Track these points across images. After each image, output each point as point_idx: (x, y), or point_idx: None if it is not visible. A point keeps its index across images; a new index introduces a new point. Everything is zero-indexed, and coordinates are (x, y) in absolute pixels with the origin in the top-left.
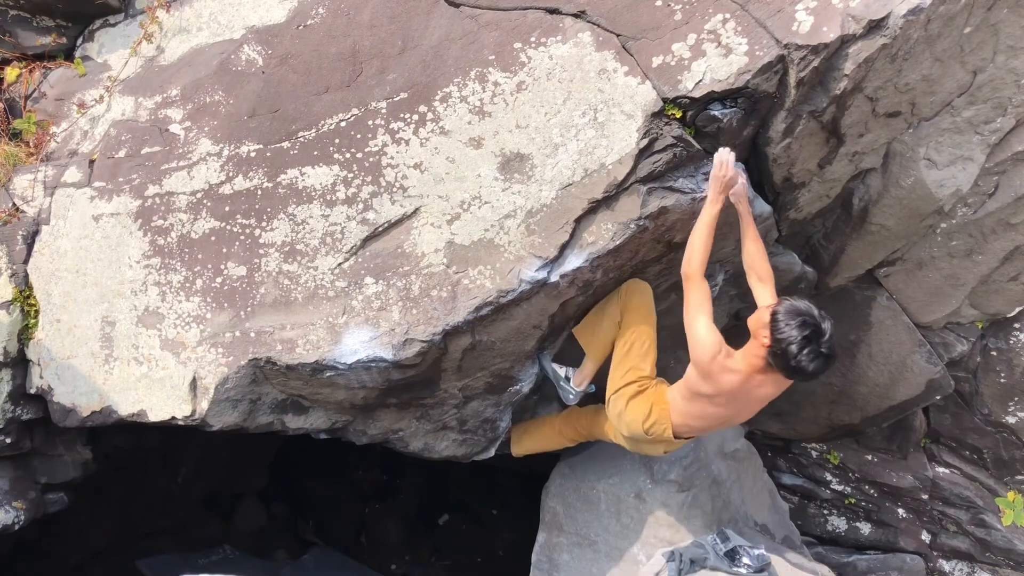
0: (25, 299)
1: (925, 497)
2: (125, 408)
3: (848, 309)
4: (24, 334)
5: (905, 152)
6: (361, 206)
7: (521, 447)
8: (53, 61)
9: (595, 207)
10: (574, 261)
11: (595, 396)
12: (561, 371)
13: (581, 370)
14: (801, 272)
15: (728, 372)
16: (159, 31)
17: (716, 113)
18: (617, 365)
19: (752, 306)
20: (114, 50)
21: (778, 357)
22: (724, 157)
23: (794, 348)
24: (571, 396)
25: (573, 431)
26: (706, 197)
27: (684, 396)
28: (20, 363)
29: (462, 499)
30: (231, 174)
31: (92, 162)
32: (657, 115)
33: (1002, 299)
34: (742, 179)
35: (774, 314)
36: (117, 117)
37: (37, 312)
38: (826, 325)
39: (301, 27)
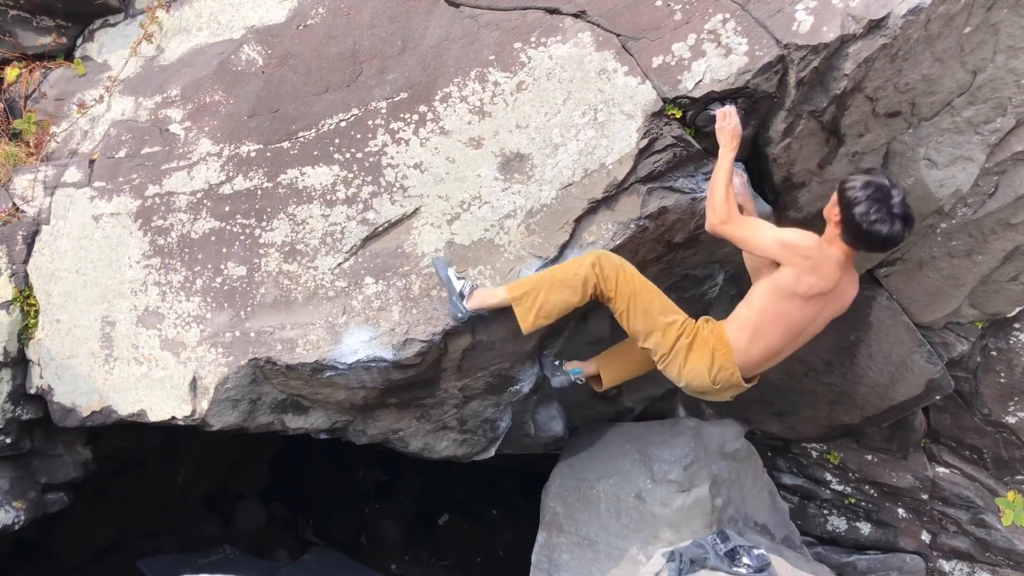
0: (25, 299)
1: (925, 497)
2: (125, 408)
3: (848, 309)
4: (24, 334)
5: (905, 152)
6: (361, 206)
7: (612, 378)
8: (53, 61)
9: (595, 207)
10: None
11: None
12: (554, 360)
13: (581, 363)
14: None
15: (831, 260)
16: (159, 31)
17: (716, 113)
18: (646, 335)
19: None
20: (114, 50)
21: (850, 227)
22: (726, 108)
23: (861, 209)
24: (559, 376)
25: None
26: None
27: (764, 307)
28: (20, 363)
29: (462, 499)
30: (231, 174)
31: (92, 162)
32: (657, 115)
33: (1002, 299)
34: (742, 178)
35: (841, 183)
36: (117, 117)
37: (37, 312)
38: (895, 190)
39: (301, 27)
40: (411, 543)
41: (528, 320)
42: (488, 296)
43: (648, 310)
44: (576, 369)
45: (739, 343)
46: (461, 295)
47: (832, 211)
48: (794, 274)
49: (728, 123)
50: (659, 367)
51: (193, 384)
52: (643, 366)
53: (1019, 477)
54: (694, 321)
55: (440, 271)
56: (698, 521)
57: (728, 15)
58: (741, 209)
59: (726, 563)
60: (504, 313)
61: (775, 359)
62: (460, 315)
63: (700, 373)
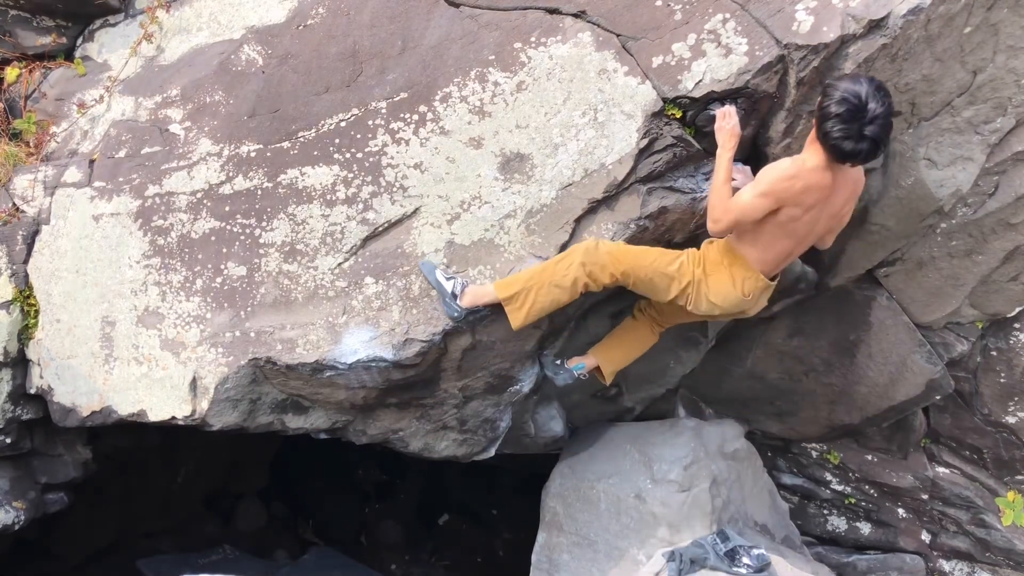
0: (25, 299)
1: (925, 497)
2: (125, 408)
3: (848, 309)
4: (24, 334)
5: (905, 152)
6: (361, 206)
7: (613, 363)
8: (53, 61)
9: (595, 207)
10: None
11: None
12: (554, 359)
13: (585, 356)
14: (801, 272)
15: (816, 171)
16: (159, 31)
17: (716, 113)
18: (666, 290)
19: None
20: (114, 50)
21: (819, 133)
22: (725, 107)
23: (828, 125)
24: (561, 374)
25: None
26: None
27: (764, 223)
28: (20, 363)
29: (462, 499)
30: (231, 174)
31: (92, 162)
32: (657, 115)
33: (1002, 299)
34: (746, 175)
35: (825, 87)
36: (117, 117)
37: (37, 312)
38: (873, 105)
39: (301, 27)
40: (411, 543)
41: (519, 318)
42: (481, 294)
43: (655, 271)
44: (579, 364)
45: (751, 255)
46: (454, 295)
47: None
48: (786, 211)
49: (727, 123)
50: (689, 308)
51: (193, 384)
52: (641, 345)
53: (1019, 477)
54: (692, 251)
55: (428, 275)
56: (698, 521)
57: (728, 15)
58: None
59: (726, 563)
60: (502, 311)
61: (790, 259)
62: (456, 315)
63: (727, 292)
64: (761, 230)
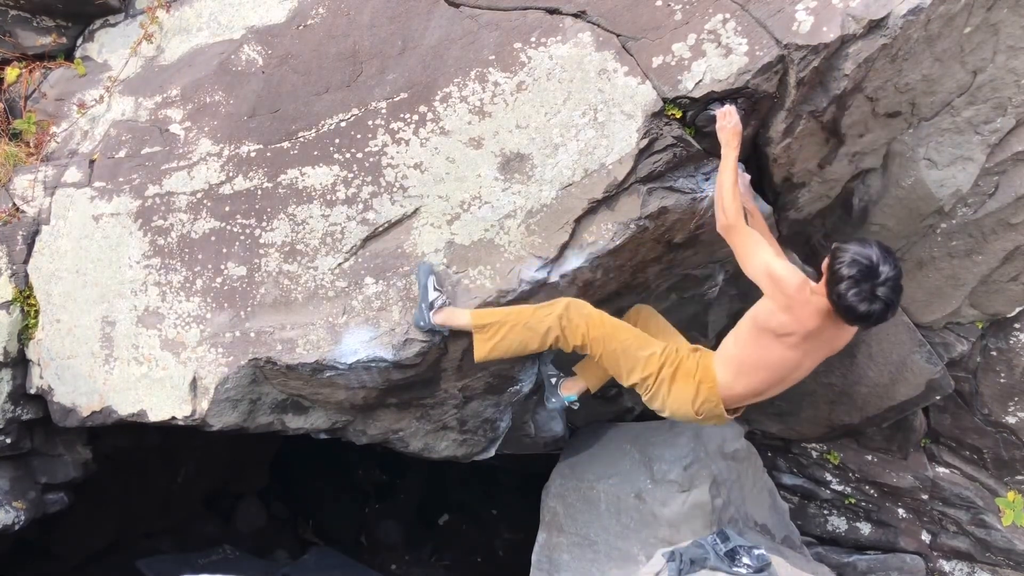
0: (25, 299)
1: (925, 497)
2: (125, 408)
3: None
4: (24, 334)
5: (905, 152)
6: (361, 206)
7: (598, 381)
8: (53, 61)
9: (595, 207)
10: (574, 261)
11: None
12: (551, 372)
13: (575, 381)
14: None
15: (811, 307)
16: (159, 31)
17: (716, 113)
18: (628, 371)
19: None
20: (114, 50)
21: (831, 295)
22: (726, 107)
23: (843, 286)
24: (553, 400)
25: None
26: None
27: (746, 342)
28: (20, 363)
29: (462, 499)
30: (231, 174)
31: (92, 162)
32: (657, 115)
33: (1002, 299)
34: (744, 179)
35: (834, 250)
36: (117, 117)
37: (37, 312)
38: (884, 268)
39: (301, 27)
40: (411, 543)
41: (483, 351)
42: (455, 316)
43: (625, 349)
44: (570, 396)
45: (724, 378)
46: (431, 306)
47: (823, 268)
48: (770, 307)
49: (728, 122)
50: (644, 399)
51: (193, 384)
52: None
53: (1019, 477)
54: (678, 349)
55: (421, 276)
56: (698, 521)
57: (728, 15)
58: (748, 216)
59: (726, 563)
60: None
61: (760, 397)
62: (422, 324)
63: (684, 403)
64: (745, 353)
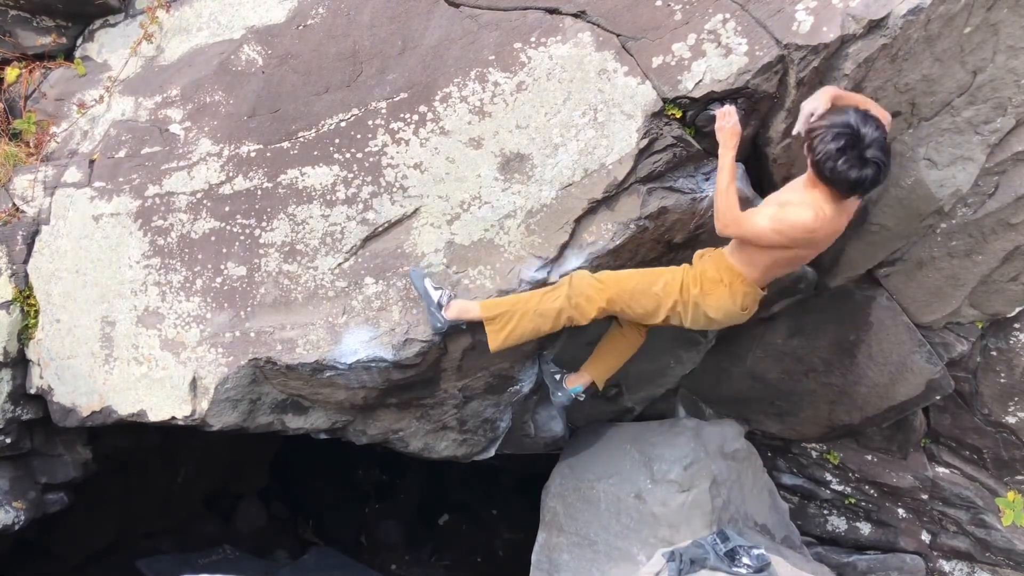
0: (25, 299)
1: (925, 497)
2: (125, 408)
3: (848, 309)
4: (24, 334)
5: (905, 152)
6: (361, 206)
7: (606, 373)
8: (53, 61)
9: (595, 207)
10: (574, 261)
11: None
12: (552, 369)
13: (578, 374)
14: (801, 272)
15: (824, 209)
16: (159, 31)
17: (716, 113)
18: (654, 311)
19: None
20: (114, 50)
21: (823, 174)
22: (725, 107)
23: (831, 163)
24: (559, 395)
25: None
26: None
27: (765, 261)
28: (20, 363)
29: (462, 499)
30: (231, 174)
31: (92, 162)
32: (657, 115)
33: (1002, 299)
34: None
35: (810, 132)
36: (117, 117)
37: (37, 312)
38: (867, 130)
39: (301, 27)
40: (411, 543)
41: (497, 340)
42: (466, 309)
43: (639, 292)
44: (576, 387)
45: (752, 275)
46: (439, 305)
47: (805, 156)
48: (793, 249)
49: (727, 122)
50: (688, 326)
51: (193, 384)
52: (629, 349)
53: (1019, 477)
54: (684, 267)
55: (416, 283)
56: (698, 521)
57: (728, 15)
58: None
59: (726, 563)
60: (483, 329)
61: (788, 275)
62: (439, 325)
63: (725, 309)
64: (765, 258)
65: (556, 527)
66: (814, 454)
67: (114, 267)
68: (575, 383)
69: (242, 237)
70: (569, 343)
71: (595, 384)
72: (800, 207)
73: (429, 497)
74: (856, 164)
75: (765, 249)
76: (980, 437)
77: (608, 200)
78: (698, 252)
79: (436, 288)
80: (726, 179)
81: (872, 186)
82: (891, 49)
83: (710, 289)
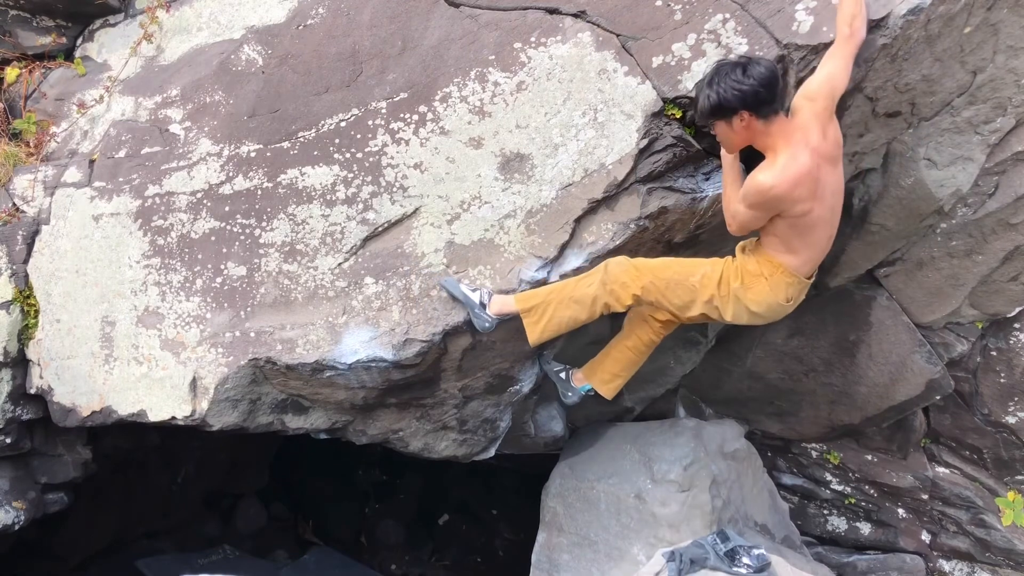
0: (25, 299)
1: (925, 497)
2: (125, 408)
3: (848, 309)
4: (24, 334)
5: (905, 152)
6: (361, 206)
7: (609, 383)
8: (53, 61)
9: (595, 207)
10: (574, 261)
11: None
12: (557, 368)
13: (583, 371)
14: None
15: (789, 166)
16: (159, 31)
17: None
18: (689, 304)
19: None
20: (114, 50)
21: (753, 101)
22: None
23: (737, 97)
24: (569, 395)
25: (659, 321)
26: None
27: (791, 238)
28: (20, 363)
29: (462, 499)
30: (231, 174)
31: (92, 162)
32: (657, 115)
33: (1002, 299)
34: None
35: (700, 114)
36: (117, 117)
37: (37, 312)
38: (726, 67)
39: (301, 27)
40: (411, 543)
41: (535, 332)
42: (505, 304)
43: (677, 285)
44: (585, 386)
45: (792, 262)
46: (482, 305)
47: (732, 131)
48: (800, 210)
49: None
50: (729, 320)
51: (193, 384)
52: (639, 358)
53: (1019, 477)
54: (726, 260)
55: (453, 290)
56: (698, 521)
57: (728, 15)
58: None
59: (726, 563)
60: (519, 322)
61: (828, 247)
62: (488, 325)
63: (768, 301)
64: (787, 234)
65: (556, 527)
66: (814, 454)
67: (114, 267)
68: (583, 381)
69: (242, 237)
70: (569, 343)
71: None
72: (754, 175)
73: (429, 497)
74: (749, 63)
75: (773, 223)
76: (980, 437)
77: (608, 200)
78: (740, 244)
79: (473, 290)
80: (730, 178)
81: (775, 75)
82: (891, 49)
83: (751, 283)
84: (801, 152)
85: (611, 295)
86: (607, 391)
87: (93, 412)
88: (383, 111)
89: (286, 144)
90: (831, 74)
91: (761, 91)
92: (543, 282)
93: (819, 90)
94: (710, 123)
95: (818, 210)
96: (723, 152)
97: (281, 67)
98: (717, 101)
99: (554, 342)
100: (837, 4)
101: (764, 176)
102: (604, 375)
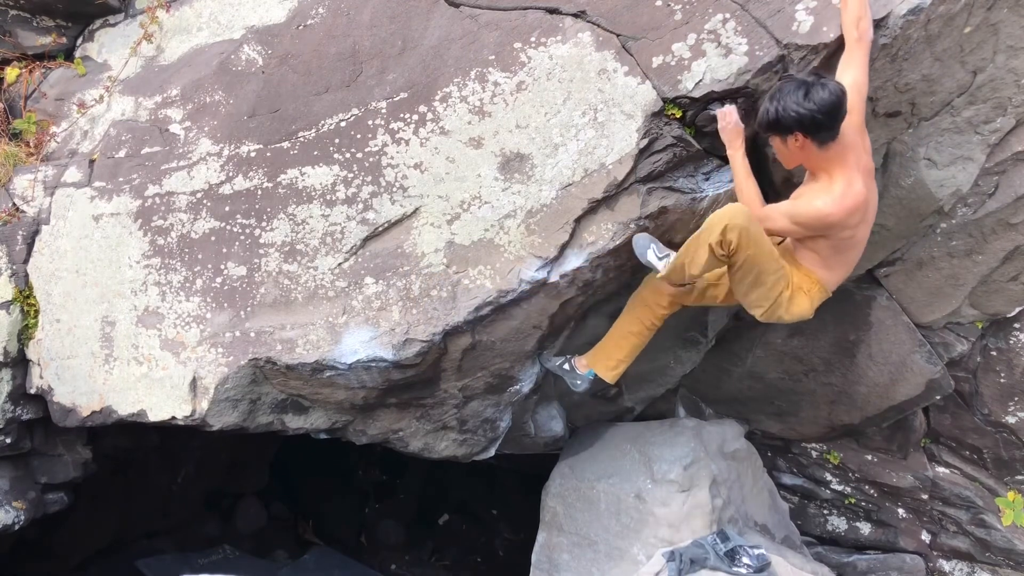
0: (25, 299)
1: (925, 497)
2: (125, 408)
3: (848, 309)
4: (24, 334)
5: (905, 152)
6: (361, 206)
7: (614, 369)
8: (53, 61)
9: (595, 207)
10: (574, 261)
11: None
12: (558, 361)
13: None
14: None
15: (847, 196)
16: (159, 31)
17: (716, 113)
18: (750, 291)
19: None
20: (114, 50)
21: (810, 126)
22: (725, 108)
23: (791, 116)
24: (578, 383)
25: (669, 300)
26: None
27: (831, 256)
28: (20, 363)
29: (462, 499)
30: (231, 174)
31: (92, 162)
32: (657, 115)
33: (1002, 299)
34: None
35: (762, 127)
36: (117, 117)
37: (37, 312)
38: (782, 79)
39: (301, 27)
40: (411, 543)
41: (677, 275)
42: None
43: (762, 272)
44: (590, 371)
45: (829, 279)
46: (659, 258)
47: (787, 148)
48: (844, 236)
49: (728, 121)
50: (758, 316)
51: (193, 384)
52: (641, 341)
53: (1019, 477)
54: (788, 268)
55: (639, 249)
56: (698, 521)
57: (728, 15)
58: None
59: (726, 563)
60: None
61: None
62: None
63: (801, 313)
64: (827, 253)
65: (556, 527)
66: (814, 454)
67: (114, 267)
68: (587, 367)
69: (242, 237)
70: (569, 342)
71: (604, 374)
72: (809, 196)
73: (429, 497)
74: (815, 85)
75: (814, 241)
76: (980, 437)
77: (608, 200)
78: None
79: (661, 257)
80: (740, 176)
81: (837, 93)
82: (891, 49)
83: (795, 294)
84: (856, 178)
85: (707, 227)
86: (611, 376)
87: (93, 412)
88: (383, 111)
89: (286, 144)
90: (856, 83)
91: (819, 117)
92: (544, 282)
93: (852, 103)
94: (767, 136)
95: (862, 232)
96: (730, 151)
97: (281, 67)
98: (775, 118)
99: (555, 341)
100: (840, 6)
101: (822, 203)
102: (609, 361)
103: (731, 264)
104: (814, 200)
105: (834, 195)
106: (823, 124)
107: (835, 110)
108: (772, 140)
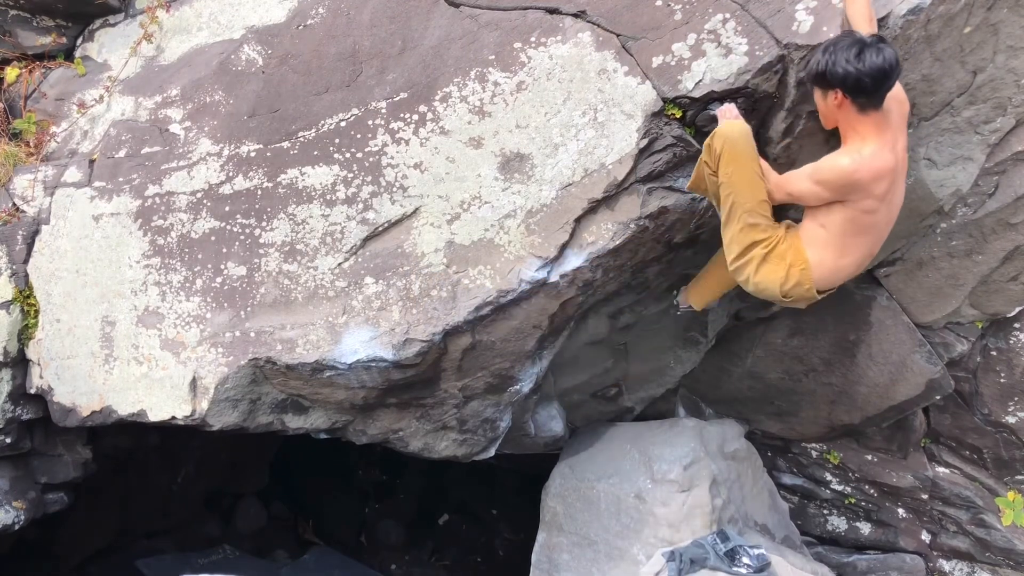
0: (25, 299)
1: (925, 497)
2: (125, 408)
3: (848, 309)
4: (24, 334)
5: None
6: (361, 206)
7: (705, 301)
8: (53, 61)
9: (595, 207)
10: (574, 261)
11: None
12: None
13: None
14: None
15: (876, 152)
16: (159, 31)
17: (716, 113)
18: (725, 226)
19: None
20: (114, 50)
21: (853, 86)
22: (724, 107)
23: (855, 66)
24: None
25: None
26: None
27: (843, 233)
28: (20, 363)
29: (462, 499)
30: (231, 174)
31: (92, 162)
32: (657, 115)
33: (1002, 299)
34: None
35: (812, 73)
36: (117, 117)
37: (37, 312)
38: (849, 34)
39: (301, 27)
40: (411, 543)
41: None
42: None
43: (735, 203)
44: (686, 305)
45: (825, 262)
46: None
47: (826, 103)
48: (861, 197)
49: (724, 118)
50: (728, 267)
51: (193, 384)
52: (726, 282)
53: (1019, 477)
54: (777, 228)
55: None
56: (698, 521)
57: (728, 15)
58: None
59: (726, 563)
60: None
61: (867, 262)
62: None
63: (770, 285)
64: (839, 229)
65: (556, 527)
66: (814, 454)
67: (114, 267)
68: (685, 301)
69: (242, 237)
70: (569, 342)
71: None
72: (835, 156)
73: (429, 497)
74: (872, 48)
75: (830, 212)
76: (980, 437)
77: (608, 200)
78: (787, 221)
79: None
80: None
81: (893, 64)
82: None
83: (772, 259)
84: (888, 151)
85: (707, 148)
86: (700, 304)
87: (93, 412)
88: (383, 111)
89: (286, 144)
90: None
91: (865, 80)
92: (544, 282)
93: (902, 94)
94: (810, 87)
95: (882, 215)
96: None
97: (281, 67)
98: (821, 70)
99: (555, 341)
100: (844, 7)
101: (847, 160)
102: (704, 294)
103: (720, 183)
104: (840, 158)
105: (862, 155)
106: (866, 88)
107: (883, 77)
108: (815, 93)
